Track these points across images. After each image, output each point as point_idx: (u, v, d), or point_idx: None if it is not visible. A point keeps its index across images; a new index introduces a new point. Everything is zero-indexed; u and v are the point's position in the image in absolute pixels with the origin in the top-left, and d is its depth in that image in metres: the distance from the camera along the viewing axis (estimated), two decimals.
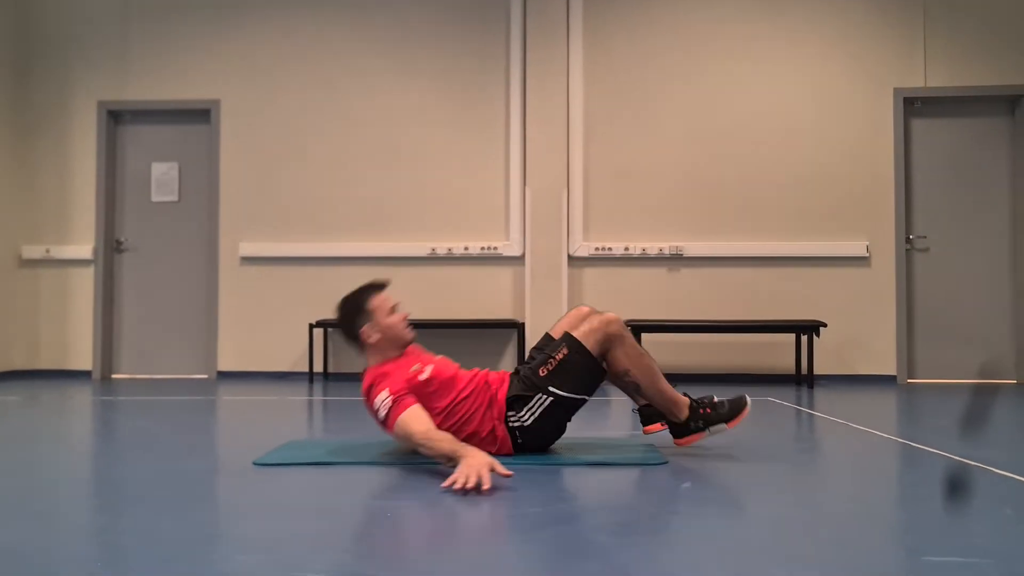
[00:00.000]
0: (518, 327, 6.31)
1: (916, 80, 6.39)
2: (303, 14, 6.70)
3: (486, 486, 2.26)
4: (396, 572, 1.62)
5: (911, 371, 6.37)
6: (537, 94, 6.48)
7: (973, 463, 2.79)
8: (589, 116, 6.51)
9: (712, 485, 2.47)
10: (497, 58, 6.58)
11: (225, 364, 6.61)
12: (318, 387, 5.83)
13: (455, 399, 2.79)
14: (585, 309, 2.99)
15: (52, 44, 6.82)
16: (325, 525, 1.99)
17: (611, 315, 2.89)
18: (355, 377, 6.39)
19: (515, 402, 2.82)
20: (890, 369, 6.31)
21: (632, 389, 2.93)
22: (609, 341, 2.84)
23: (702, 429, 2.96)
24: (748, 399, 2.98)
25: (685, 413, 2.95)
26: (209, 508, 2.21)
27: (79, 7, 6.81)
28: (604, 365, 2.88)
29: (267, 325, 6.57)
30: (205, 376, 6.69)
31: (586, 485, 2.49)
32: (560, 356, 2.83)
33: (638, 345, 2.94)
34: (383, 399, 2.65)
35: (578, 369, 2.82)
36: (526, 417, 2.81)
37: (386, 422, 2.64)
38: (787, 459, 2.94)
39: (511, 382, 2.88)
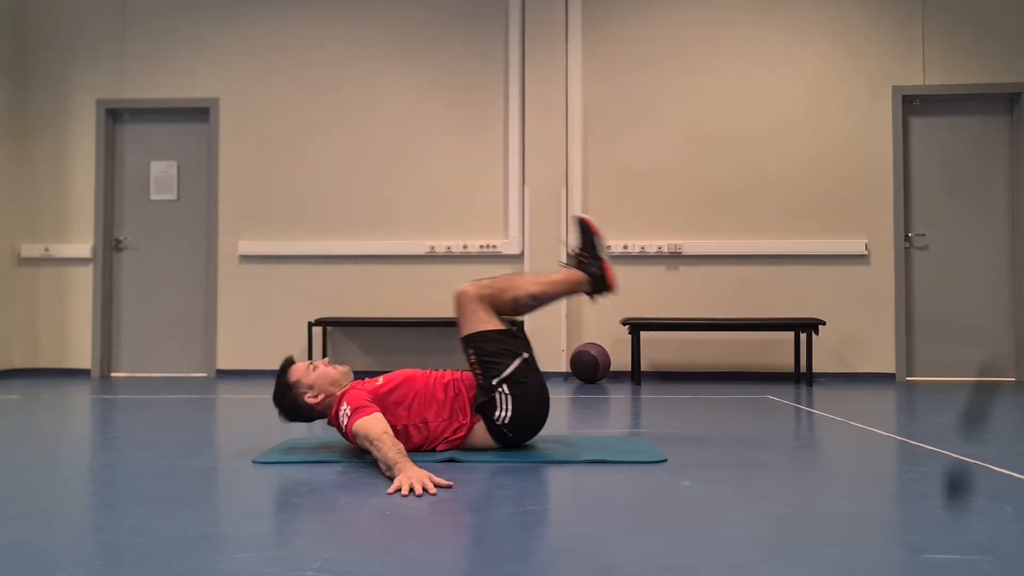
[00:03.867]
0: (517, 325, 6.30)
1: (915, 78, 6.39)
2: (302, 13, 6.70)
3: (432, 491, 2.28)
4: (395, 571, 1.62)
5: (910, 369, 6.38)
6: (536, 93, 6.47)
7: (972, 461, 2.79)
8: (588, 114, 6.51)
9: (711, 483, 2.47)
10: (496, 57, 6.58)
11: (224, 362, 6.61)
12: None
13: (416, 395, 2.85)
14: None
15: (51, 42, 6.82)
16: (324, 524, 1.99)
17: (460, 287, 2.96)
18: (355, 376, 6.39)
19: (486, 407, 2.85)
20: (889, 367, 6.31)
21: (533, 306, 3.03)
22: (471, 304, 2.91)
23: (600, 260, 3.09)
24: (577, 214, 3.21)
25: (583, 275, 3.09)
26: (208, 506, 2.21)
27: (78, 6, 6.81)
28: (500, 313, 2.94)
29: (266, 323, 6.57)
30: (204, 374, 6.69)
31: (586, 483, 2.49)
32: (474, 359, 2.88)
33: (496, 282, 3.00)
34: (344, 410, 2.73)
35: (492, 349, 2.86)
36: (503, 415, 2.84)
37: (348, 425, 2.68)
38: (786, 457, 2.94)
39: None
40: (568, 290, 3.09)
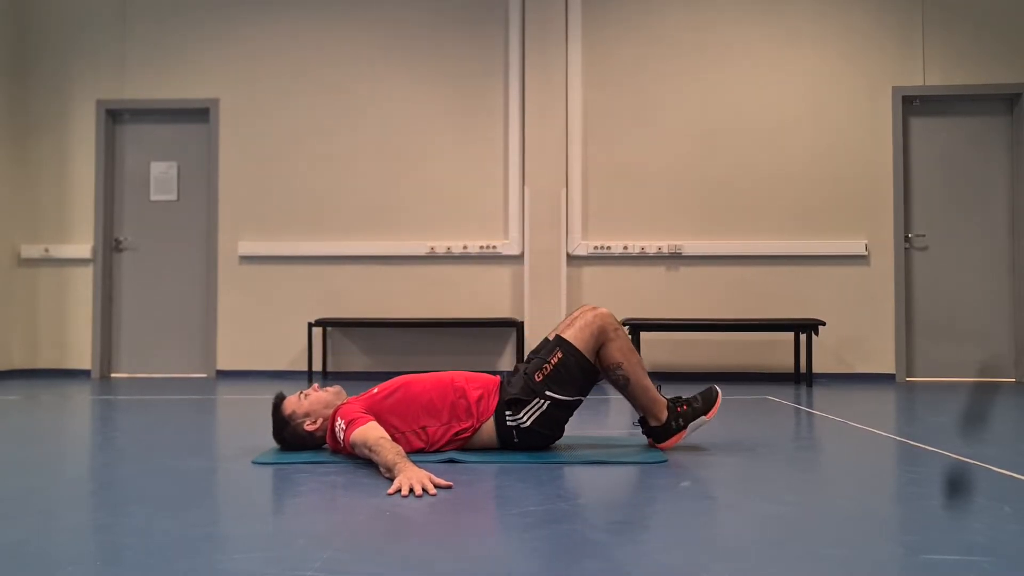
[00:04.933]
0: (517, 326, 6.31)
1: (915, 79, 6.39)
2: (302, 14, 6.70)
3: (432, 492, 2.28)
4: (395, 571, 1.62)
5: (910, 369, 6.38)
6: (536, 93, 6.48)
7: (972, 461, 2.79)
8: (588, 115, 6.51)
9: (711, 483, 2.47)
10: (496, 58, 6.58)
11: (224, 363, 6.61)
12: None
13: (412, 401, 2.84)
14: (580, 311, 3.00)
15: (51, 43, 6.82)
16: (324, 524, 1.99)
17: (603, 310, 2.93)
18: (355, 376, 6.41)
19: (513, 404, 2.84)
20: (889, 367, 6.31)
21: (621, 384, 2.93)
22: (603, 334, 2.88)
23: (683, 427, 2.98)
24: (718, 388, 3.04)
25: (665, 414, 2.97)
26: (208, 507, 2.21)
27: (78, 6, 6.81)
28: (595, 359, 2.90)
29: (266, 324, 6.57)
30: (204, 375, 6.69)
31: (586, 483, 2.49)
32: (555, 360, 2.85)
33: (630, 341, 2.98)
34: (339, 425, 2.74)
35: (573, 372, 2.85)
36: (524, 419, 2.84)
37: (346, 438, 2.69)
38: (786, 458, 2.94)
39: (507, 382, 2.91)
40: (644, 404, 2.96)
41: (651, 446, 3.03)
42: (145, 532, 1.90)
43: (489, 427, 2.87)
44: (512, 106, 6.53)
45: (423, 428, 2.83)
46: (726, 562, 1.68)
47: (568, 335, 2.89)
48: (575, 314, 2.98)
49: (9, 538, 1.87)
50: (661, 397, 2.98)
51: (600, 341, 2.88)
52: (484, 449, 2.89)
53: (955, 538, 1.84)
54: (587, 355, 2.87)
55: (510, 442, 2.87)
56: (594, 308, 2.95)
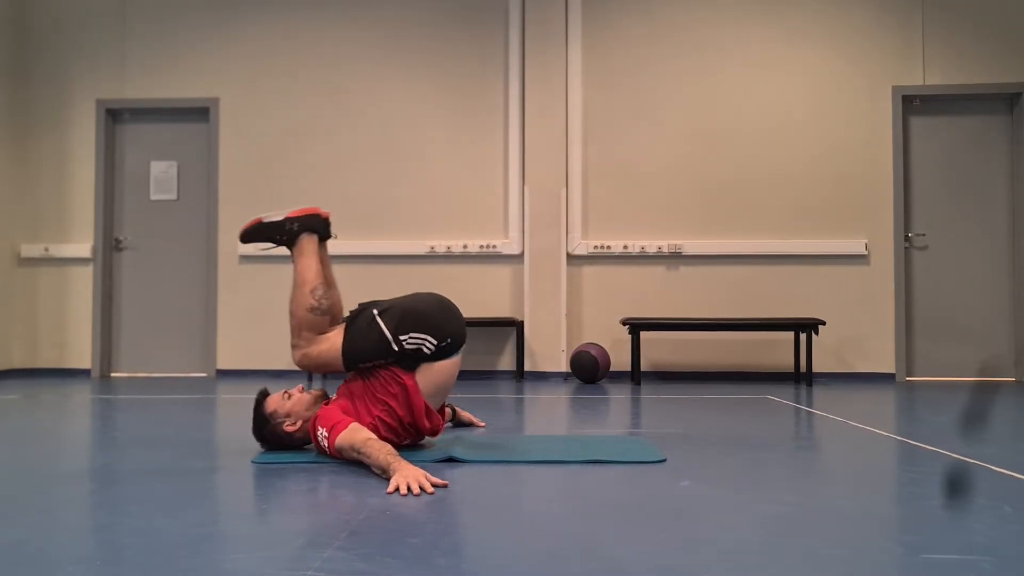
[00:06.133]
0: (517, 325, 6.31)
1: (915, 78, 6.39)
2: (302, 14, 6.70)
3: (429, 490, 2.29)
4: (395, 571, 1.62)
5: (910, 369, 6.38)
6: (536, 93, 6.47)
7: (972, 461, 2.79)
8: (588, 114, 6.51)
9: (711, 483, 2.47)
10: (496, 57, 6.58)
11: (224, 362, 6.61)
12: (317, 385, 5.81)
13: (364, 386, 2.86)
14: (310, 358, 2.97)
15: (51, 42, 6.82)
16: (323, 523, 1.99)
17: (295, 357, 2.95)
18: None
19: (418, 358, 2.82)
20: (889, 367, 6.31)
21: (323, 281, 2.99)
22: (314, 344, 2.91)
23: (287, 225, 3.10)
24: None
25: (303, 239, 3.09)
26: (208, 506, 2.21)
27: (78, 6, 6.81)
28: (328, 323, 2.93)
29: (266, 323, 6.57)
30: (204, 374, 6.69)
31: (585, 483, 2.49)
32: (370, 365, 2.85)
33: (294, 317, 2.95)
34: (321, 433, 2.73)
35: (362, 344, 2.83)
36: (429, 345, 2.80)
37: (330, 444, 2.68)
38: (786, 457, 2.94)
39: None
40: (313, 256, 3.04)
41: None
42: (145, 532, 1.90)
43: (423, 371, 2.83)
44: (512, 106, 6.53)
45: (387, 404, 2.81)
46: (726, 562, 1.68)
47: (344, 370, 2.90)
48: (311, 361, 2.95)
49: (9, 538, 1.87)
50: (297, 251, 3.07)
51: (320, 351, 2.89)
52: (438, 383, 2.86)
53: (955, 538, 1.84)
54: (338, 349, 2.85)
55: (444, 349, 2.83)
56: (298, 364, 2.95)
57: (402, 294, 3.04)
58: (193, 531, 1.91)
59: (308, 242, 3.07)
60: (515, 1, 6.53)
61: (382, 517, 2.05)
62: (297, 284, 2.99)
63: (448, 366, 2.87)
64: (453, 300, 3.04)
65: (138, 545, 1.80)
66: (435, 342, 2.81)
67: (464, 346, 2.93)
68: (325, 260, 3.10)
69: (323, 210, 3.16)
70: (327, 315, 2.94)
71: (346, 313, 3.02)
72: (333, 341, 2.89)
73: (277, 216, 3.10)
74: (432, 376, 2.85)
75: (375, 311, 2.86)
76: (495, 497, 2.29)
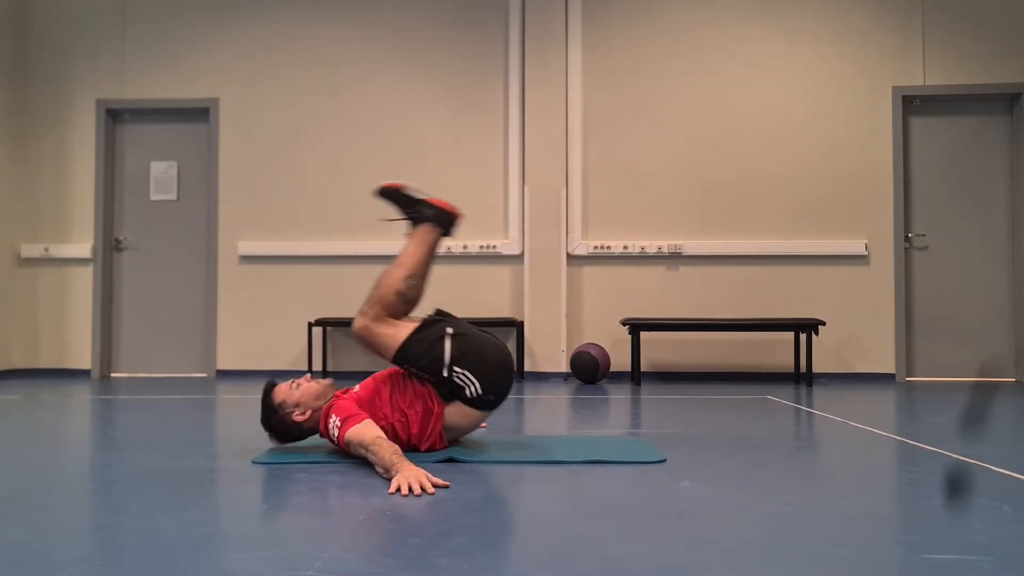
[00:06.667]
0: (517, 325, 6.31)
1: (915, 78, 6.39)
2: (303, 14, 6.70)
3: (430, 491, 2.29)
4: (395, 571, 1.62)
5: (910, 369, 6.38)
6: (536, 93, 6.48)
7: (972, 461, 2.79)
8: (588, 115, 6.51)
9: (711, 483, 2.47)
10: (496, 57, 6.58)
11: (224, 362, 6.61)
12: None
13: (392, 391, 2.87)
14: (354, 331, 2.98)
15: (51, 42, 6.82)
16: (324, 524, 1.99)
17: (353, 327, 2.96)
18: (355, 376, 6.41)
19: (455, 393, 2.83)
20: (889, 367, 6.31)
21: (418, 275, 3.01)
22: (377, 324, 2.92)
23: (422, 205, 3.10)
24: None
25: (425, 226, 3.08)
26: (208, 507, 2.21)
27: (78, 6, 6.81)
28: (404, 305, 2.94)
29: (266, 323, 6.57)
30: (204, 375, 6.69)
31: (585, 483, 2.49)
32: (414, 369, 2.86)
33: (374, 295, 2.97)
34: (333, 421, 2.74)
35: (419, 349, 2.84)
36: (473, 390, 2.80)
37: (340, 435, 2.69)
38: (786, 457, 2.94)
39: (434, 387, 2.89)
40: (427, 247, 3.04)
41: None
42: (145, 532, 1.90)
43: (455, 406, 2.84)
44: (512, 106, 6.53)
45: (404, 415, 2.83)
46: (726, 562, 1.68)
47: (388, 357, 2.90)
48: (366, 337, 2.95)
49: (9, 538, 1.87)
50: (416, 236, 3.09)
51: (379, 332, 2.90)
52: (470, 423, 2.88)
53: (955, 538, 1.84)
54: (400, 340, 2.85)
55: (488, 403, 2.85)
56: (355, 334, 2.95)
57: (424, 309, 3.04)
58: (193, 531, 1.91)
59: (430, 232, 3.08)
60: (515, 1, 6.53)
61: (382, 517, 2.05)
62: (398, 264, 3.01)
63: (477, 416, 2.89)
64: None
65: (138, 545, 1.80)
66: (481, 392, 2.82)
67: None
68: (432, 254, 3.08)
69: (461, 212, 3.13)
70: (407, 304, 2.97)
71: (421, 312, 3.01)
72: (398, 333, 2.88)
73: (418, 194, 3.10)
74: (459, 416, 2.86)
75: (449, 330, 2.86)
76: (495, 497, 2.29)
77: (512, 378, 2.94)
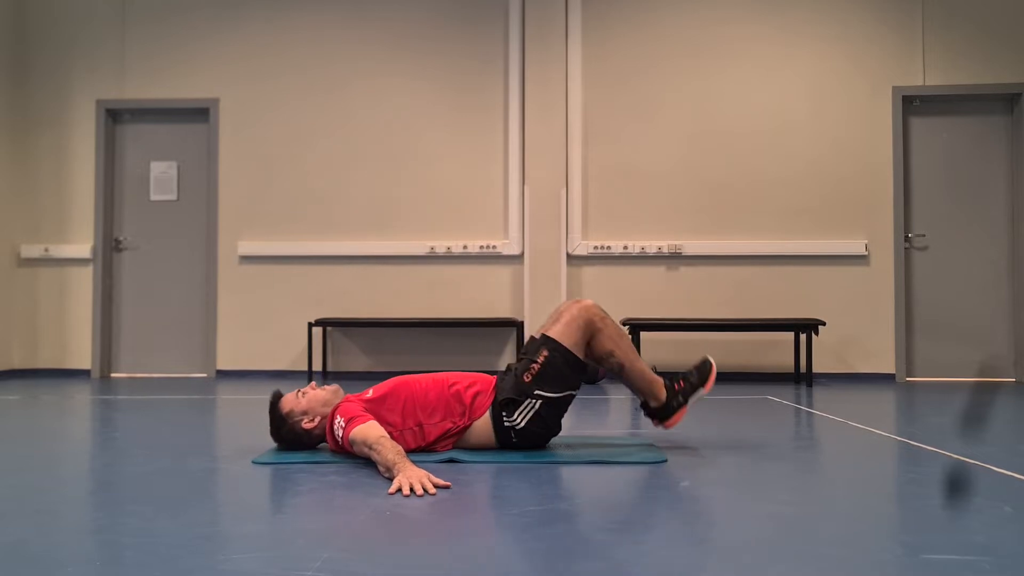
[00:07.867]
0: (517, 326, 6.31)
1: (915, 79, 6.39)
2: (302, 14, 6.70)
3: (431, 491, 2.29)
4: (395, 571, 1.62)
5: (910, 369, 6.38)
6: (536, 93, 6.47)
7: (972, 461, 2.79)
8: (588, 115, 6.51)
9: (711, 483, 2.47)
10: (496, 57, 6.58)
11: (224, 363, 6.61)
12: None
13: (407, 400, 2.85)
14: (565, 305, 3.00)
15: (51, 43, 6.82)
16: (324, 524, 1.99)
17: (587, 301, 2.96)
18: (355, 376, 6.41)
19: (506, 405, 2.85)
20: (889, 367, 6.31)
21: (616, 371, 2.96)
22: (590, 326, 2.90)
23: (684, 403, 3.01)
24: (711, 359, 3.11)
25: (663, 393, 3.00)
26: (208, 507, 2.21)
27: (78, 6, 6.81)
28: (587, 351, 2.92)
29: (266, 324, 6.57)
30: (204, 375, 6.69)
31: (586, 483, 2.49)
32: (541, 359, 2.86)
33: (619, 326, 3.00)
34: (338, 422, 2.75)
35: (560, 369, 2.86)
36: (518, 420, 2.85)
37: (345, 435, 2.70)
38: (786, 457, 2.94)
39: (500, 381, 2.92)
40: (642, 387, 3.00)
41: (656, 426, 3.05)
42: (145, 532, 1.90)
43: (485, 425, 2.87)
44: (512, 105, 6.53)
45: (419, 425, 2.84)
46: (726, 562, 1.68)
47: (554, 332, 2.90)
48: (560, 309, 2.99)
49: (9, 538, 1.87)
50: (657, 377, 3.01)
51: (589, 333, 2.90)
52: (483, 448, 2.89)
53: (955, 538, 1.84)
54: (575, 350, 2.87)
55: (509, 442, 2.88)
56: (579, 301, 2.97)
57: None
58: (193, 531, 1.91)
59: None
60: (515, 1, 6.53)
61: (383, 517, 2.05)
62: (630, 349, 2.99)
63: (490, 441, 2.89)
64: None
65: (138, 545, 1.80)
66: (523, 425, 2.84)
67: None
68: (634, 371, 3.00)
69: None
70: (586, 330, 2.91)
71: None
72: (579, 343, 2.89)
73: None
74: (479, 434, 2.88)
75: (572, 394, 2.93)
76: (496, 497, 2.29)
77: (540, 448, 2.95)
